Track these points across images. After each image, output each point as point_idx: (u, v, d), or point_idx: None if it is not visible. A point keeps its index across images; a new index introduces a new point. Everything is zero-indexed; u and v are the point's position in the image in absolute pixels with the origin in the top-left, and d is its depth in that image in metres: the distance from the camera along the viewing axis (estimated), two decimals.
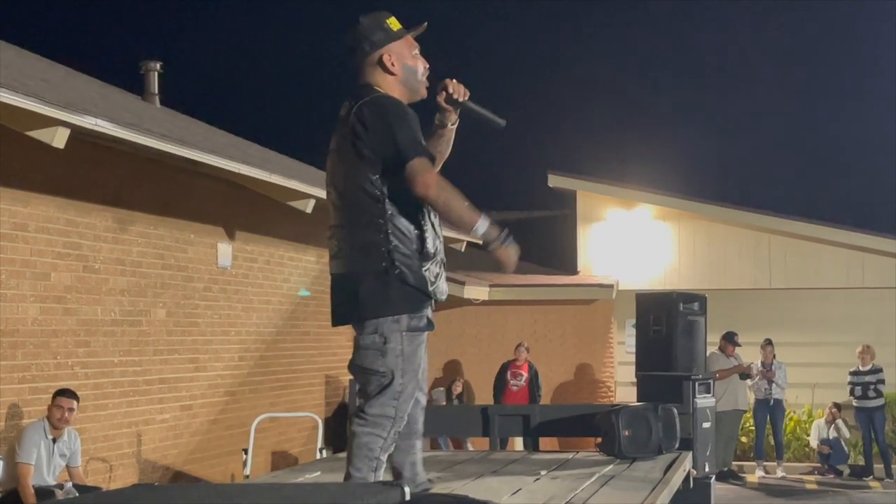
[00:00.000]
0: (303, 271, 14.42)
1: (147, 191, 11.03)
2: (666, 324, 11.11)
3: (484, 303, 17.17)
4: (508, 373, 16.17)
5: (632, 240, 18.54)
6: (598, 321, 17.78)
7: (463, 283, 16.93)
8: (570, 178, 18.99)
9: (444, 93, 4.56)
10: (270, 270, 13.55)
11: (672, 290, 14.36)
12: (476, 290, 17.08)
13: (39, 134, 8.44)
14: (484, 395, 16.50)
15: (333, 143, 4.52)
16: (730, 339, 15.94)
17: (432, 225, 4.46)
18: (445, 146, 4.70)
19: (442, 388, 16.77)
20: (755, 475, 16.31)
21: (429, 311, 4.54)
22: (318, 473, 7.48)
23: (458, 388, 16.79)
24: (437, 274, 4.49)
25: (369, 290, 4.36)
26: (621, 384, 17.62)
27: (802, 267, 17.99)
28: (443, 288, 4.55)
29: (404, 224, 4.38)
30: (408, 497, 2.77)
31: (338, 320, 4.54)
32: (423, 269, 4.41)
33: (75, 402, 8.99)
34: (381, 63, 4.47)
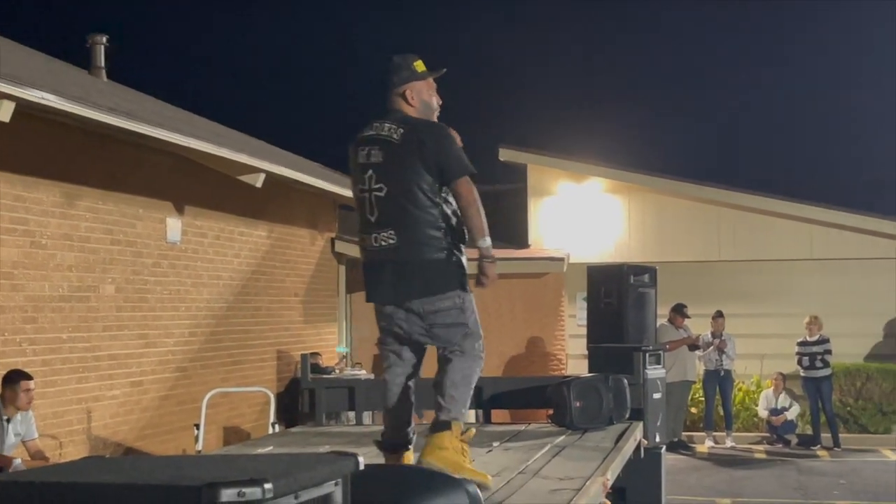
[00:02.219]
0: (253, 246, 14.35)
1: (95, 165, 10.91)
2: (617, 296, 11.19)
3: None
4: None
5: (582, 213, 18.62)
6: (549, 294, 17.83)
7: None
8: (520, 152, 19.02)
9: None
10: (221, 245, 13.47)
11: (623, 262, 14.46)
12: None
13: None
14: (431, 369, 16.51)
15: (378, 156, 5.53)
16: (679, 311, 16.07)
17: (460, 217, 5.53)
18: None
19: None
20: (704, 445, 16.49)
21: None
22: (271, 448, 7.47)
23: None
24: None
25: (437, 272, 5.48)
26: (572, 356, 17.71)
27: (751, 239, 18.15)
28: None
29: (451, 220, 5.51)
30: (362, 466, 2.77)
31: (407, 296, 5.52)
32: (463, 255, 5.59)
33: (32, 382, 8.93)
34: (403, 96, 5.62)
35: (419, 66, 5.63)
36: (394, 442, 5.75)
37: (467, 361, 5.55)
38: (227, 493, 2.19)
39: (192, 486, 2.22)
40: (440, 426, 5.44)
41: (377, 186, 5.52)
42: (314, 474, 2.52)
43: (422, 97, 5.63)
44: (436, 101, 5.71)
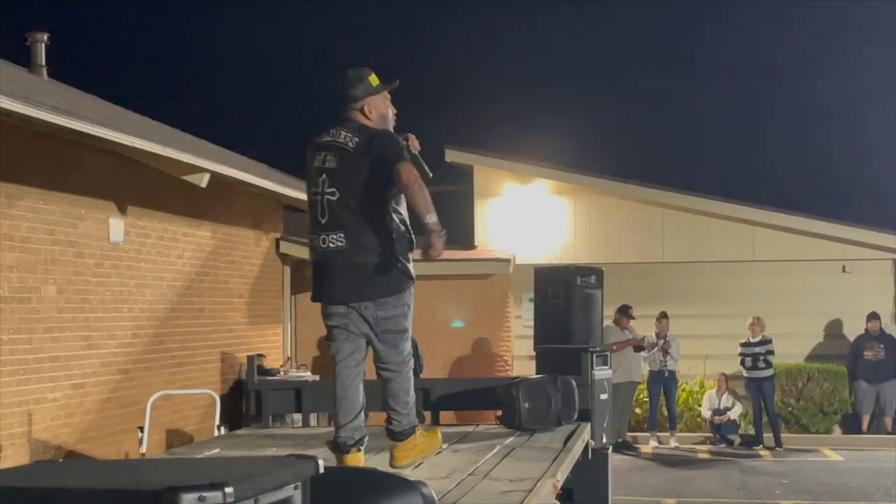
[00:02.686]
0: (197, 247, 14.21)
1: (36, 165, 10.74)
2: (564, 297, 11.18)
3: None
4: None
5: (528, 215, 18.65)
6: (495, 295, 17.85)
7: None
8: (466, 153, 19.01)
9: (405, 142, 5.90)
10: (164, 246, 13.33)
11: (570, 263, 14.49)
12: None
13: None
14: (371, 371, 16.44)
15: (332, 161, 5.81)
16: (624, 312, 16.16)
17: (408, 226, 5.87)
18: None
19: None
20: (649, 446, 16.58)
21: None
22: (218, 450, 7.39)
23: None
24: (411, 261, 5.92)
25: (385, 275, 5.76)
26: (518, 358, 17.73)
27: (695, 241, 18.28)
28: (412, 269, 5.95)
29: (399, 228, 5.81)
30: (321, 469, 2.73)
31: (357, 298, 5.81)
32: (410, 264, 5.88)
33: None
34: (362, 111, 5.91)
35: (373, 79, 5.95)
36: (346, 441, 5.92)
37: (406, 367, 5.96)
38: (188, 498, 2.14)
39: (152, 490, 2.17)
40: (405, 434, 5.97)
41: (330, 190, 5.80)
42: (274, 478, 2.48)
43: (379, 110, 5.94)
44: (391, 112, 6.02)
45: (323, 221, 5.82)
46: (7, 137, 10.18)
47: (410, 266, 5.89)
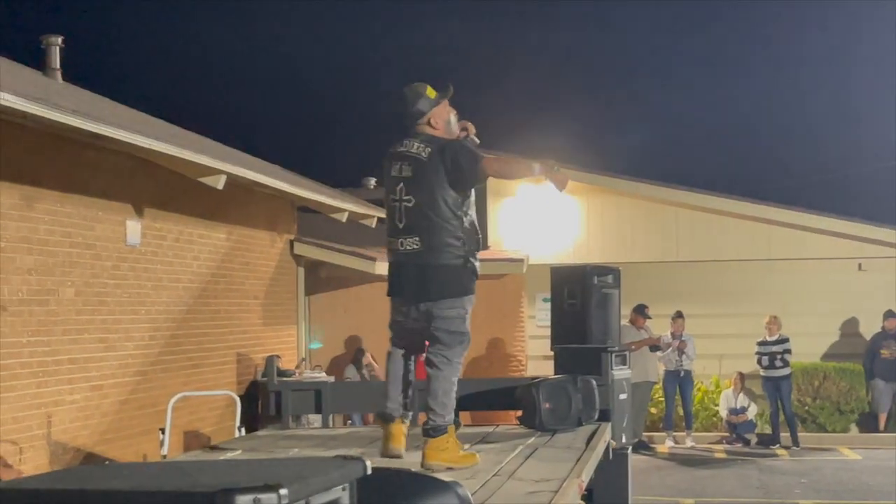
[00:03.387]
0: (213, 248, 14.22)
1: (53, 167, 10.76)
2: (581, 296, 11.11)
3: None
4: None
5: (542, 214, 18.62)
6: (509, 295, 17.84)
7: (374, 259, 16.87)
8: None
9: (465, 132, 6.44)
10: (180, 248, 13.34)
11: (586, 263, 14.44)
12: (386, 266, 16.99)
13: None
14: None
15: (408, 171, 6.26)
16: (640, 312, 16.13)
17: (477, 226, 6.33)
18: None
19: (352, 365, 16.68)
20: (665, 445, 16.55)
21: None
22: (239, 452, 7.39)
23: (367, 359, 16.63)
24: (477, 265, 6.33)
25: (453, 276, 6.22)
26: (532, 358, 17.72)
27: (709, 240, 18.25)
28: (478, 270, 6.37)
29: (468, 230, 6.25)
30: (369, 471, 2.72)
31: (423, 297, 6.27)
32: (477, 262, 6.30)
33: None
34: (429, 123, 6.34)
35: (430, 92, 6.37)
36: (392, 412, 6.49)
37: (451, 370, 6.32)
38: (243, 500, 2.14)
39: (206, 492, 2.16)
40: (438, 431, 6.21)
41: (406, 197, 6.30)
42: (325, 479, 2.47)
43: (443, 118, 6.37)
44: (453, 116, 6.42)
45: (400, 226, 6.29)
46: (25, 140, 10.20)
47: (478, 265, 6.32)
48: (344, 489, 2.60)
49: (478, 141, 6.50)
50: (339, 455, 2.79)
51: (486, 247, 18.52)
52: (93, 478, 2.47)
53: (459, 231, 6.21)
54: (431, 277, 6.23)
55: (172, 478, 2.41)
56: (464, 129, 6.48)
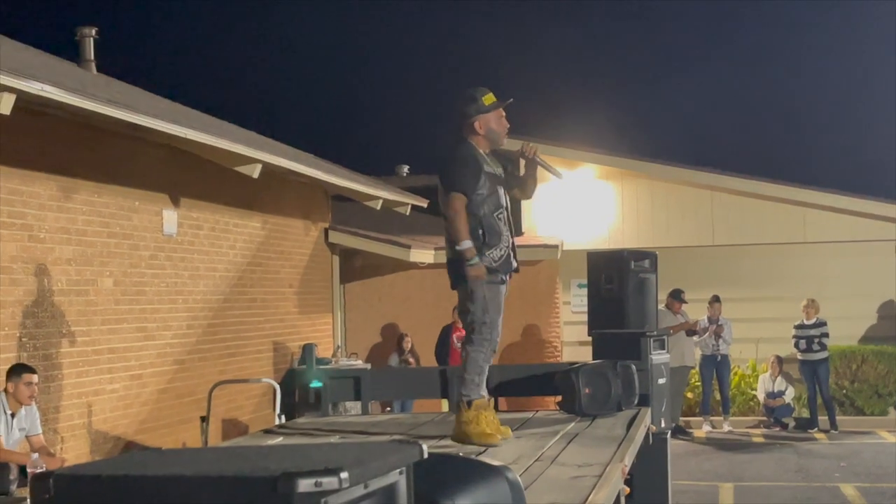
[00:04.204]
0: (248, 237, 14.27)
1: (91, 158, 10.81)
2: (618, 281, 11.09)
3: (429, 266, 17.13)
4: (454, 336, 16.03)
5: (576, 200, 18.57)
6: (544, 282, 17.81)
7: (408, 247, 16.88)
8: (513, 139, 18.79)
9: (521, 151, 7.04)
10: (216, 237, 13.39)
11: (623, 248, 14.40)
12: (421, 254, 17.04)
13: None
14: (429, 358, 16.46)
15: None
16: (676, 297, 16.07)
17: (493, 228, 6.79)
18: (531, 185, 7.26)
19: (395, 353, 16.67)
20: (702, 430, 16.50)
21: (503, 275, 6.92)
22: (280, 439, 7.42)
23: (408, 344, 16.60)
24: (500, 256, 6.83)
25: (460, 267, 6.77)
26: (568, 344, 17.69)
27: (745, 223, 18.15)
28: (504, 263, 6.88)
29: (475, 229, 6.74)
30: (426, 455, 2.73)
31: (451, 285, 6.96)
32: (488, 254, 6.78)
33: (36, 377, 8.84)
34: (473, 126, 6.84)
35: (487, 99, 6.82)
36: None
37: (473, 346, 6.92)
38: (305, 484, 2.15)
39: (267, 476, 2.16)
40: (456, 407, 6.91)
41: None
42: (383, 463, 2.47)
43: (489, 125, 6.84)
44: (502, 129, 6.92)
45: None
46: (61, 132, 10.26)
47: (491, 256, 6.78)
48: (401, 473, 2.60)
49: (544, 164, 7.17)
50: (396, 439, 2.79)
51: (520, 233, 18.50)
52: (153, 463, 2.48)
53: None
54: (449, 269, 6.93)
55: (232, 462, 2.41)
56: (521, 149, 7.05)
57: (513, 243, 7.02)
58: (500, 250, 6.87)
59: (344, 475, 2.19)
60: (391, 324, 17.69)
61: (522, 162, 7.28)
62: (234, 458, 2.49)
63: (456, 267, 6.82)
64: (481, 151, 6.90)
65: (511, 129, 7.11)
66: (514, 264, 7.03)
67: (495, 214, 6.83)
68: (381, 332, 17.82)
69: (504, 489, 3.40)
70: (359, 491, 2.33)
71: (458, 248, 6.67)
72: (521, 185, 7.21)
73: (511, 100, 6.93)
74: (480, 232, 6.75)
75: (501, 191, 6.91)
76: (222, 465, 2.36)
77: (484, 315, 6.84)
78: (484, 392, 6.92)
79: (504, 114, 6.99)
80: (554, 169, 7.42)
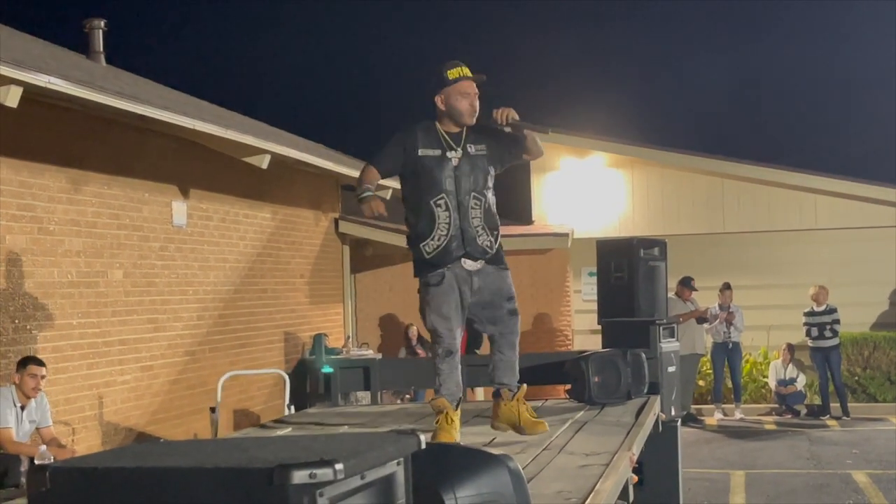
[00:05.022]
0: (258, 228, 14.29)
1: (100, 150, 10.84)
2: (627, 270, 11.07)
3: None
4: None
5: (586, 188, 18.56)
6: (554, 270, 17.81)
7: None
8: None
9: (494, 120, 6.18)
10: (226, 228, 13.42)
11: (632, 236, 14.38)
12: None
13: None
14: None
15: None
16: (686, 284, 16.04)
17: (425, 214, 6.18)
18: (532, 146, 6.40)
19: (403, 347, 16.67)
20: (714, 418, 16.48)
21: (445, 270, 6.27)
22: (290, 430, 7.43)
23: (414, 335, 16.58)
24: (436, 247, 6.21)
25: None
26: (579, 332, 17.69)
27: (756, 210, 18.10)
28: (441, 254, 6.22)
29: (410, 218, 6.31)
30: (423, 445, 2.73)
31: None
32: (421, 245, 6.22)
33: (44, 369, 8.87)
34: (435, 102, 6.24)
35: (452, 73, 6.20)
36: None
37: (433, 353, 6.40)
38: (299, 475, 2.15)
39: (263, 468, 2.17)
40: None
41: None
42: (380, 454, 2.48)
43: (449, 101, 6.19)
44: (465, 104, 6.19)
45: None
46: (71, 123, 10.28)
47: (421, 250, 6.23)
48: (399, 464, 2.61)
49: (516, 123, 6.16)
50: (394, 430, 2.80)
51: (530, 221, 18.52)
52: (150, 455, 2.49)
53: (406, 213, 6.36)
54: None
55: (230, 454, 2.42)
56: (491, 117, 6.20)
57: (469, 229, 6.24)
58: (437, 240, 6.21)
59: (339, 466, 2.20)
60: (401, 313, 17.71)
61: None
62: (231, 450, 2.50)
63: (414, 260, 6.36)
64: (442, 131, 6.23)
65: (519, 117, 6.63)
66: (462, 251, 6.26)
67: (433, 201, 6.15)
68: (392, 321, 17.84)
69: (505, 478, 3.40)
70: (355, 482, 2.34)
71: (357, 194, 6.23)
72: (522, 150, 6.40)
73: (483, 76, 6.25)
74: (410, 220, 6.30)
75: (453, 173, 6.14)
76: (219, 456, 2.37)
77: (426, 320, 6.32)
78: (447, 391, 6.29)
79: (474, 91, 6.23)
80: (537, 127, 6.48)
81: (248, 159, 12.42)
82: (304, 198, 15.76)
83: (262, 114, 17.20)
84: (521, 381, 6.62)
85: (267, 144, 12.36)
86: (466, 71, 6.23)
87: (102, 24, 14.98)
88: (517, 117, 6.16)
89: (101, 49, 14.86)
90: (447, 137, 6.22)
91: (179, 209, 12.26)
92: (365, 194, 6.17)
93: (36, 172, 9.86)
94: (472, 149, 6.23)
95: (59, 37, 14.89)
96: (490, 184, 6.34)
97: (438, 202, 6.17)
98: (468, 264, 6.34)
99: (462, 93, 6.20)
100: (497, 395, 6.51)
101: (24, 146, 9.67)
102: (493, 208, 6.39)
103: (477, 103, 6.22)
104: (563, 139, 18.82)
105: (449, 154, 6.20)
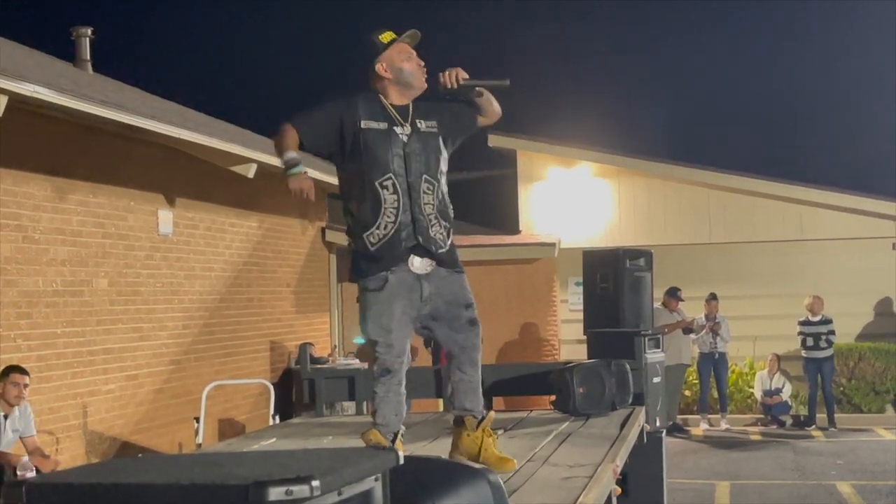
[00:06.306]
0: (244, 237, 14.27)
1: (85, 158, 10.82)
2: (613, 280, 11.15)
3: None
4: None
5: (572, 198, 18.57)
6: (541, 280, 17.82)
7: None
8: (510, 138, 18.94)
9: (442, 86, 5.40)
10: (212, 237, 13.40)
11: (618, 246, 14.41)
12: None
13: None
14: (425, 357, 16.45)
15: None
16: (673, 295, 16.06)
17: (369, 196, 5.22)
18: (488, 106, 5.54)
19: None
20: (699, 428, 16.49)
21: (388, 273, 5.28)
22: (274, 440, 7.42)
23: None
24: (382, 237, 5.23)
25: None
26: (565, 342, 17.69)
27: (741, 221, 18.14)
28: (386, 247, 5.23)
29: (350, 205, 5.32)
30: (401, 461, 2.72)
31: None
32: (364, 236, 5.25)
33: (27, 378, 8.84)
34: (377, 73, 5.41)
35: (384, 37, 5.43)
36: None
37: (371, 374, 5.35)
38: (275, 492, 2.14)
39: (238, 484, 2.17)
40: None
41: None
42: (357, 470, 2.47)
43: (393, 64, 5.38)
44: (412, 65, 5.41)
45: None
46: (56, 132, 10.26)
47: (361, 246, 5.27)
48: (376, 479, 2.60)
49: (467, 83, 5.40)
50: (371, 445, 2.79)
51: (517, 231, 18.53)
52: (126, 471, 2.48)
53: (345, 201, 5.41)
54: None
55: (206, 470, 2.42)
56: (437, 82, 5.45)
57: (421, 217, 5.26)
58: (383, 228, 5.22)
59: (315, 483, 2.19)
60: None
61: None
62: (208, 465, 2.49)
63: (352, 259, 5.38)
64: (386, 103, 5.36)
65: (495, 125, 5.81)
66: (412, 241, 5.24)
67: (378, 182, 5.19)
68: None
69: (486, 491, 3.40)
70: (332, 498, 2.34)
71: (281, 158, 5.31)
72: (476, 114, 5.52)
73: (416, 32, 5.45)
74: (350, 207, 5.32)
75: (402, 151, 5.23)
76: (195, 472, 2.36)
77: (364, 332, 5.34)
78: (382, 420, 5.10)
79: (413, 52, 5.46)
80: (494, 83, 5.52)
81: (234, 168, 12.41)
82: (290, 207, 15.75)
83: (249, 122, 17.18)
84: (492, 393, 5.84)
85: (253, 153, 12.36)
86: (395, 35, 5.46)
87: (89, 31, 14.97)
88: (467, 76, 5.40)
89: (88, 57, 14.84)
90: (393, 111, 5.34)
91: (165, 218, 12.24)
92: (295, 169, 5.24)
93: (21, 181, 9.84)
94: (421, 124, 5.37)
95: (46, 44, 14.89)
96: (444, 168, 5.43)
97: (385, 183, 5.20)
98: (416, 265, 5.29)
99: (404, 52, 5.43)
100: (459, 422, 5.54)
101: (8, 155, 9.64)
102: (447, 198, 5.44)
103: (423, 64, 5.45)
104: (550, 149, 18.87)
105: (397, 129, 5.30)
